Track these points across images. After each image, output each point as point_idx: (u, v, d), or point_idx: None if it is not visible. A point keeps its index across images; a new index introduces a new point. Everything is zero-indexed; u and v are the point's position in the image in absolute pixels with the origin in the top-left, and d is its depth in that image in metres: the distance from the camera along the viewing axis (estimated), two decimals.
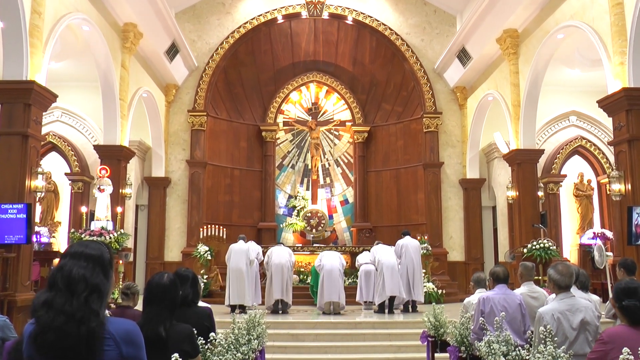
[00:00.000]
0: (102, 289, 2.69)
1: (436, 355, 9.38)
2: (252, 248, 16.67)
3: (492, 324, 6.41)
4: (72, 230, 15.63)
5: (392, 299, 16.10)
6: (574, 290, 6.03)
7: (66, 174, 20.73)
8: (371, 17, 23.44)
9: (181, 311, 5.16)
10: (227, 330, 7.12)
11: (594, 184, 21.83)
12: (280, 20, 23.51)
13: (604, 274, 15.85)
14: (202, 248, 19.18)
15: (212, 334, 5.40)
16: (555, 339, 5.22)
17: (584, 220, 21.46)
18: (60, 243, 19.99)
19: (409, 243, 16.84)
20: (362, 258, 17.40)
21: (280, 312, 16.08)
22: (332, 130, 25.35)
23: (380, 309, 16.04)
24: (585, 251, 19.71)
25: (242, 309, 15.62)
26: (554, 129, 22.10)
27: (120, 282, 14.10)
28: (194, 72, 23.31)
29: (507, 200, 20.10)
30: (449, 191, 23.24)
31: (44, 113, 12.96)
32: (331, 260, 16.54)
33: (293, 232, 24.09)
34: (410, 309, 16.46)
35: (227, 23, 23.52)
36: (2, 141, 11.90)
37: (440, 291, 18.89)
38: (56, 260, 16.82)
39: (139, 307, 5.47)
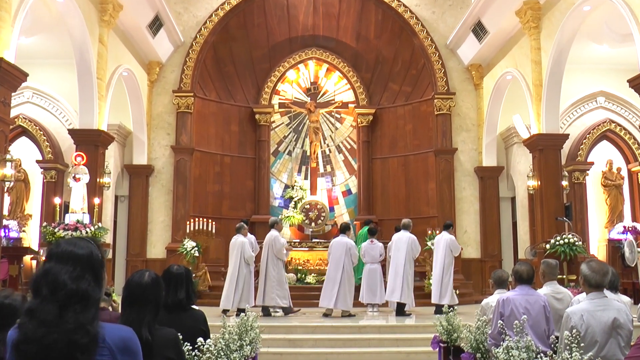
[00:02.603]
0: (92, 297, 2.65)
1: None
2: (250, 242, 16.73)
3: (513, 327, 6.37)
4: (45, 224, 15.56)
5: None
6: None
7: (37, 162, 20.69)
8: None
9: (176, 315, 5.15)
10: (216, 335, 7.09)
11: (624, 173, 21.82)
12: None
13: (636, 273, 15.84)
14: (189, 244, 19.16)
15: (200, 339, 5.38)
16: (582, 344, 5.19)
17: (613, 213, 21.44)
18: (31, 238, 19.99)
19: (400, 238, 16.87)
20: (373, 250, 17.31)
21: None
22: (333, 113, 25.31)
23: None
24: (614, 247, 19.70)
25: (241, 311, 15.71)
26: (579, 111, 22.07)
27: None
28: (180, 48, 23.23)
29: (528, 190, 20.06)
30: (463, 180, 23.20)
31: (12, 94, 12.91)
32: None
33: (290, 225, 24.04)
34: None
35: None
36: None
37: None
38: (26, 258, 16.87)
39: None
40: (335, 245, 16.38)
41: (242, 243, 16.25)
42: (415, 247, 16.68)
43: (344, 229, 16.77)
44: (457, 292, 18.89)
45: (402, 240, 16.76)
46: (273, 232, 16.50)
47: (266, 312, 15.98)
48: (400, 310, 16.22)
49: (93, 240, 2.86)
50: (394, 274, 16.61)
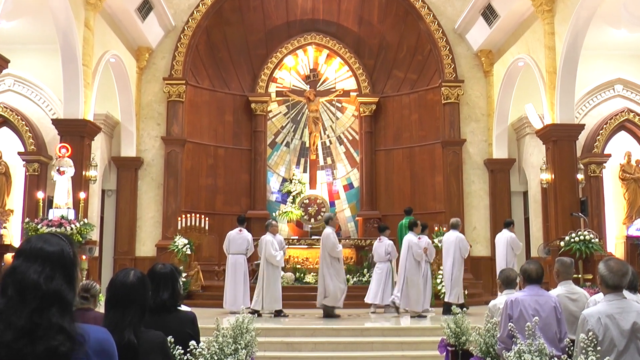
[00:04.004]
0: (64, 297, 2.61)
1: None
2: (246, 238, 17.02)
3: (522, 330, 6.35)
4: (27, 219, 15.58)
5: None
6: None
7: (19, 154, 20.63)
8: None
9: (160, 317, 5.11)
10: (209, 338, 7.07)
11: None
12: None
13: None
14: (181, 241, 19.16)
15: (193, 342, 5.34)
16: (599, 348, 5.17)
17: (632, 208, 21.42)
18: (13, 235, 19.92)
19: (448, 238, 17.10)
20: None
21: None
22: (334, 102, 25.31)
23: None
24: (633, 244, 19.67)
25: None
26: (596, 100, 22.02)
27: (83, 281, 14.04)
28: (171, 33, 23.18)
29: (541, 184, 20.06)
30: (472, 174, 23.19)
31: None
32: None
33: (288, 222, 24.06)
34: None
35: None
36: None
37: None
38: (8, 256, 16.83)
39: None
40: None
41: (266, 242, 16.31)
42: (463, 247, 16.84)
43: (383, 229, 17.12)
44: (466, 292, 18.92)
45: (450, 241, 16.88)
46: (327, 230, 16.47)
47: (329, 312, 16.07)
48: (448, 309, 16.32)
49: (66, 237, 2.81)
50: (446, 276, 16.89)
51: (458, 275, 16.71)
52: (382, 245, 17.34)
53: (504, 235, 17.38)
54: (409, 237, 16.55)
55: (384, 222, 21.87)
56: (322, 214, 23.55)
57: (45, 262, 2.62)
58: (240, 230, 17.35)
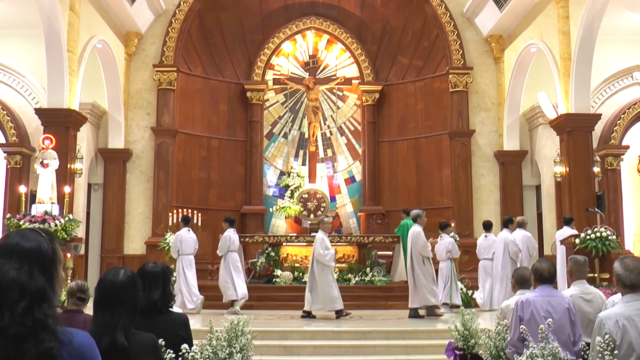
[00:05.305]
0: (45, 295, 2.60)
1: None
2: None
3: (534, 333, 6.36)
4: (8, 215, 15.57)
5: None
6: None
7: (0, 145, 20.66)
8: None
9: (151, 319, 5.11)
10: (202, 341, 7.09)
11: None
12: None
13: None
14: (172, 238, 19.13)
15: (185, 345, 5.35)
16: (616, 352, 5.18)
17: None
18: None
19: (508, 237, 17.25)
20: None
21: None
22: (334, 90, 25.32)
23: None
24: None
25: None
26: (613, 88, 22.03)
27: (69, 281, 14.04)
28: (161, 17, 23.17)
29: (555, 177, 20.07)
30: (482, 166, 23.21)
31: None
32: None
33: (286, 217, 24.09)
34: None
35: None
36: None
37: (470, 292, 18.85)
38: None
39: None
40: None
41: (316, 240, 16.34)
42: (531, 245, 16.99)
43: (444, 227, 17.55)
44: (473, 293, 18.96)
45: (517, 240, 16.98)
46: (416, 228, 16.43)
47: (431, 311, 16.13)
48: None
49: (46, 233, 2.79)
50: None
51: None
52: (443, 243, 17.41)
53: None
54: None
55: (387, 218, 21.92)
56: (322, 209, 23.57)
57: (21, 258, 2.61)
58: (189, 230, 17.55)
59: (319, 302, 15.99)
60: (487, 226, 18.01)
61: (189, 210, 21.06)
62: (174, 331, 5.31)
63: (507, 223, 17.13)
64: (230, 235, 17.23)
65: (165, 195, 22.33)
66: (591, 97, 18.77)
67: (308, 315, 15.91)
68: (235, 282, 16.93)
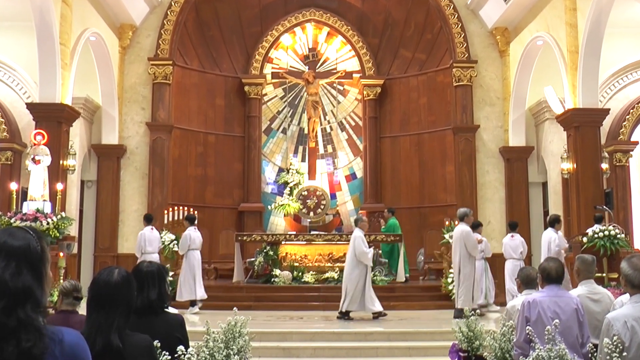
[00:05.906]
0: (30, 294, 2.61)
1: None
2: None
3: (541, 334, 6.36)
4: None
5: None
6: None
7: None
8: None
9: (146, 319, 5.11)
10: (199, 342, 7.09)
11: None
12: None
13: None
14: (167, 237, 19.14)
15: (181, 347, 5.35)
16: (625, 354, 5.18)
17: None
18: None
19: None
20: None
21: None
22: (335, 84, 25.31)
23: None
24: None
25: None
26: (622, 82, 22.02)
27: (61, 281, 14.04)
28: (157, 9, 23.14)
29: (562, 174, 20.06)
30: (487, 163, 23.19)
31: None
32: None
33: (285, 215, 24.07)
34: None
35: None
36: None
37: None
38: None
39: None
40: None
41: (355, 238, 16.25)
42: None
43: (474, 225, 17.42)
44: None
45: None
46: (464, 227, 16.38)
47: (482, 311, 16.26)
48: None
49: (35, 231, 2.80)
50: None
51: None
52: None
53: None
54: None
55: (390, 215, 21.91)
56: (321, 206, 23.56)
57: (9, 256, 2.63)
58: (152, 229, 17.73)
59: (355, 303, 15.96)
60: (513, 226, 18.11)
61: (185, 208, 21.02)
62: (170, 332, 5.30)
63: (553, 222, 16.96)
64: (191, 234, 17.52)
65: (160, 192, 22.30)
66: (599, 92, 18.76)
67: (344, 316, 15.87)
68: (195, 282, 17.26)
